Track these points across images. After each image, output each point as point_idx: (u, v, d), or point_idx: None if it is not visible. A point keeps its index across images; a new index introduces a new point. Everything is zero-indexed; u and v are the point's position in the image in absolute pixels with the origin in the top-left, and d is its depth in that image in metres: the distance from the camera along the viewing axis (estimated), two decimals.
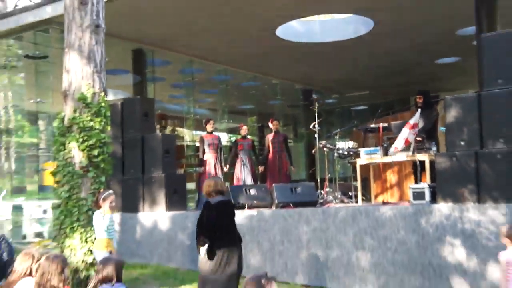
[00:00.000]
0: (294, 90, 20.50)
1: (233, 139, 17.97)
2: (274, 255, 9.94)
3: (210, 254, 7.89)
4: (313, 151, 13.34)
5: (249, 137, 14.19)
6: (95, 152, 8.33)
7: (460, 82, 18.79)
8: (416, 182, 10.75)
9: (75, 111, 8.32)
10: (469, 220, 8.01)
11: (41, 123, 24.07)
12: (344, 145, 12.01)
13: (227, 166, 13.72)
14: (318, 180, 12.50)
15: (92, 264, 7.97)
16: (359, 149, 11.42)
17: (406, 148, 10.11)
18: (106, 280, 5.72)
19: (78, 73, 8.36)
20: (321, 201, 11.07)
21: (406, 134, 9.97)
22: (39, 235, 14.65)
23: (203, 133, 13.57)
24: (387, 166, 11.92)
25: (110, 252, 7.98)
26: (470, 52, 12.31)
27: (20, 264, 6.05)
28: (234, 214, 8.44)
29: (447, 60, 16.70)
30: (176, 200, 11.70)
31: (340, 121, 18.77)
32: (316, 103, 12.52)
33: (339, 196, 11.43)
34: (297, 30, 14.39)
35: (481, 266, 7.80)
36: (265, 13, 12.39)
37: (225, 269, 7.84)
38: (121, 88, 17.42)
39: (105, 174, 8.57)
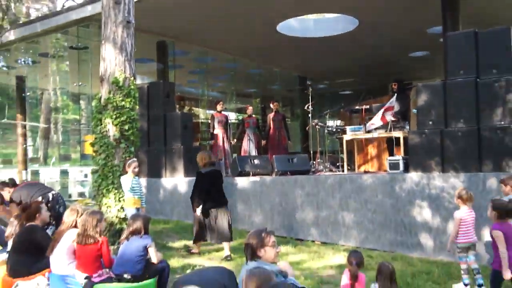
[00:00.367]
0: (291, 77, 20.45)
1: (241, 117, 17.98)
2: (274, 214, 10.04)
3: (204, 213, 8.23)
4: (307, 128, 13.35)
5: (253, 116, 14.21)
6: (126, 126, 8.39)
7: (429, 72, 18.76)
8: (390, 155, 10.84)
9: (109, 92, 8.37)
10: (435, 186, 8.13)
11: (82, 103, 24.10)
12: (333, 123, 12.11)
13: (235, 140, 13.78)
14: (311, 152, 12.54)
15: (124, 219, 8.08)
16: (346, 127, 11.48)
17: (384, 126, 10.18)
18: (135, 232, 5.86)
19: (112, 61, 8.40)
20: (313, 170, 11.16)
21: (381, 113, 10.04)
22: (81, 194, 14.79)
23: (214, 112, 13.63)
24: (368, 141, 12.01)
25: (138, 209, 8.10)
26: (438, 47, 12.29)
27: (67, 217, 6.17)
28: (221, 181, 8.75)
29: (419, 54, 16.67)
30: (192, 167, 11.76)
31: (329, 104, 18.72)
32: (309, 88, 12.53)
33: (328, 166, 11.51)
34: (294, 26, 14.35)
35: (443, 224, 7.94)
36: (267, 12, 12.38)
37: (216, 224, 8.29)
38: (147, 74, 17.42)
39: (134, 145, 8.64)
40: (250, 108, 14.26)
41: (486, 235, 7.52)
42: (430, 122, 8.53)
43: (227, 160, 12.95)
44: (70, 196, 14.89)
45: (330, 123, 12.10)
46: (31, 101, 23.30)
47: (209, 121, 14.01)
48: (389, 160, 9.32)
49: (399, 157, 9.26)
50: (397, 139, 10.28)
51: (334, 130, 11.95)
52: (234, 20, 13.06)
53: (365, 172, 10.82)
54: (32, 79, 21.32)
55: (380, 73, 18.45)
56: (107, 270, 5.68)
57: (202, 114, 23.96)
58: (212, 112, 14.06)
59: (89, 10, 12.96)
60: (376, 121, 10.11)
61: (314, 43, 14.94)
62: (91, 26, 13.60)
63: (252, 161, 11.27)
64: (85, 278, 5.60)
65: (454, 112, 8.32)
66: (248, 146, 13.44)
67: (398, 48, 15.70)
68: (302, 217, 9.65)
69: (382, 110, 10.07)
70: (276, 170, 10.66)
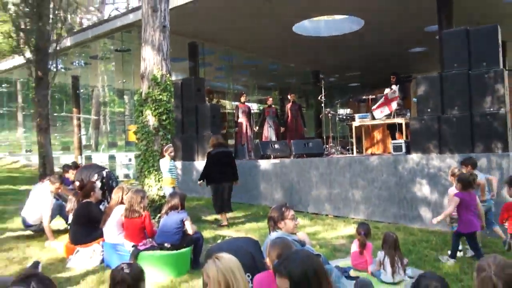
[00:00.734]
0: (305, 71, 20.34)
1: (262, 108, 17.97)
2: (292, 192, 10.07)
3: (216, 186, 8.72)
4: (320, 116, 13.31)
5: (273, 106, 14.20)
6: (163, 117, 8.43)
7: (426, 66, 18.49)
8: (393, 139, 10.78)
9: (149, 88, 8.42)
10: (433, 166, 8.09)
11: (125, 97, 24.37)
12: (343, 111, 12.01)
13: (257, 127, 13.80)
14: (324, 137, 12.53)
15: (163, 197, 8.14)
16: (354, 114, 11.42)
17: (389, 114, 10.16)
18: (173, 207, 5.94)
19: (151, 61, 8.44)
20: (326, 152, 11.14)
21: (389, 102, 10.06)
22: (126, 176, 14.98)
23: (238, 103, 13.64)
24: (374, 127, 11.91)
25: (174, 188, 8.19)
26: (434, 43, 12.14)
27: (115, 194, 6.30)
28: (230, 160, 8.90)
29: (417, 50, 16.47)
30: None
31: (339, 94, 18.62)
32: (322, 81, 12.48)
33: (339, 149, 11.49)
34: (308, 27, 14.25)
35: (440, 199, 7.92)
36: (284, 15, 12.31)
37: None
38: (180, 71, 17.46)
39: (170, 133, 8.68)
40: (270, 99, 14.26)
41: None
42: (429, 110, 8.50)
43: (250, 145, 12.99)
44: (117, 177, 15.08)
45: (341, 111, 11.99)
46: (84, 97, 23.62)
47: (234, 111, 14.04)
48: (393, 143, 9.28)
49: (401, 140, 9.22)
50: (399, 124, 10.24)
51: (344, 117, 11.89)
52: (255, 23, 13.02)
53: (372, 154, 10.74)
54: (85, 78, 21.60)
55: (383, 67, 18.27)
56: (150, 240, 5.79)
57: (228, 105, 23.95)
58: (237, 103, 14.07)
59: (131, 18, 13.08)
60: (385, 109, 10.12)
61: (325, 41, 14.83)
62: (133, 31, 13.70)
63: (273, 146, 11.29)
64: (132, 246, 5.71)
65: (449, 100, 8.30)
66: (269, 132, 13.45)
67: (399, 44, 15.52)
68: (317, 194, 9.67)
69: (391, 97, 10.05)
70: (293, 153, 10.68)
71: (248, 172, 10.87)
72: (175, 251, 5.63)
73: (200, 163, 11.79)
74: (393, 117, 10.20)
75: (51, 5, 13.13)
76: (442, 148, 8.23)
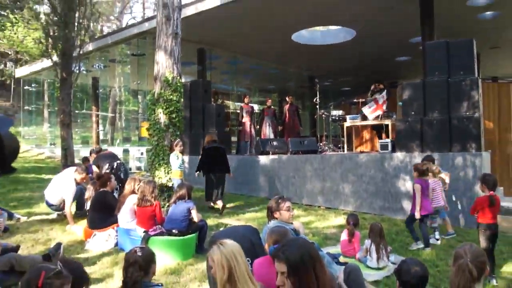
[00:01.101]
0: (302, 76, 20.27)
1: (261, 108, 17.94)
2: (289, 185, 10.06)
3: (208, 177, 8.95)
4: (315, 116, 13.31)
5: (272, 107, 14.16)
6: (173, 115, 8.41)
7: (411, 73, 18.43)
8: (379, 138, 10.77)
9: (161, 88, 8.40)
10: (415, 163, 8.06)
11: (139, 97, 24.37)
12: (336, 113, 11.97)
13: (258, 126, 13.79)
14: (318, 136, 12.50)
15: (171, 187, 8.17)
16: (346, 116, 11.40)
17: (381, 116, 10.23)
18: (181, 197, 5.93)
19: (164, 64, 8.42)
20: (320, 150, 11.11)
21: (380, 105, 10.11)
22: (138, 168, 14.97)
23: (242, 104, 13.62)
24: (363, 127, 11.89)
25: (182, 180, 8.19)
26: (418, 53, 12.17)
27: (128, 184, 6.29)
28: (221, 155, 9.04)
29: (403, 59, 16.43)
30: (225, 147, 11.81)
31: (333, 97, 18.56)
32: (317, 85, 12.45)
33: (332, 147, 11.46)
34: (305, 36, 14.20)
35: None
36: (284, 24, 12.28)
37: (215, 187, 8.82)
38: (189, 74, 17.40)
39: (180, 130, 8.66)
40: (270, 100, 14.22)
41: (451, 200, 7.50)
42: (412, 113, 8.50)
43: (253, 143, 12.97)
44: (130, 169, 15.06)
45: (333, 112, 11.95)
46: (102, 96, 23.61)
47: (238, 111, 14.02)
48: (380, 142, 9.27)
49: (388, 140, 9.21)
50: (386, 125, 10.23)
51: (337, 118, 11.86)
52: (257, 31, 12.99)
53: (361, 152, 10.73)
54: (103, 79, 21.58)
55: (372, 73, 18.25)
56: (160, 226, 5.79)
57: (232, 105, 23.92)
58: (240, 104, 14.05)
59: (146, 26, 13.07)
60: (377, 112, 10.15)
61: (321, 49, 14.79)
62: (147, 38, 13.67)
63: (271, 143, 11.26)
64: (144, 232, 5.71)
65: (431, 104, 8.35)
66: (267, 130, 13.42)
67: (386, 53, 15.49)
68: (310, 187, 9.65)
69: (381, 102, 10.06)
70: (290, 150, 10.65)
71: (249, 166, 10.87)
72: (182, 237, 5.64)
73: None
74: (380, 119, 10.21)
75: (77, 15, 13.19)
76: (423, 148, 8.24)
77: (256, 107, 20.00)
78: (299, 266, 2.18)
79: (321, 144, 11.59)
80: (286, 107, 13.88)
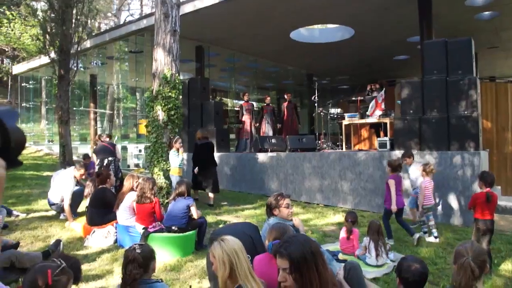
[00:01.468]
0: (300, 74, 20.30)
1: (260, 105, 17.95)
2: (287, 182, 10.08)
3: (199, 171, 9.13)
4: (313, 114, 13.31)
5: (270, 104, 14.19)
6: (172, 112, 8.37)
7: (409, 72, 18.45)
8: (378, 137, 10.80)
9: (159, 86, 8.36)
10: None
11: (137, 94, 24.32)
12: (334, 111, 12.00)
13: (257, 124, 13.82)
14: (316, 134, 12.51)
15: (170, 184, 8.17)
16: (344, 114, 11.42)
17: (381, 114, 10.27)
18: (181, 194, 5.93)
19: (162, 62, 8.38)
20: (318, 147, 11.14)
21: (379, 104, 10.17)
22: (137, 165, 14.95)
23: (242, 102, 13.63)
24: (362, 125, 11.91)
25: (181, 177, 8.19)
26: (416, 52, 12.20)
27: (127, 181, 6.29)
28: (212, 150, 9.51)
29: (401, 57, 16.47)
30: (223, 145, 11.82)
31: (331, 95, 18.57)
32: (315, 83, 12.46)
33: (330, 144, 11.49)
34: (304, 34, 14.22)
35: None
36: (282, 23, 12.29)
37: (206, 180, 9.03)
38: (188, 71, 17.41)
39: (178, 127, 8.63)
40: (268, 98, 14.25)
41: (449, 198, 7.52)
42: (411, 111, 8.51)
43: (252, 140, 12.99)
44: (128, 166, 15.06)
45: (332, 110, 11.97)
46: (100, 93, 23.59)
47: (237, 109, 14.04)
48: (379, 140, 9.29)
49: (386, 138, 9.23)
50: (384, 124, 10.26)
51: (335, 116, 11.89)
52: (256, 29, 12.99)
53: (359, 150, 10.75)
54: (101, 76, 21.54)
55: (370, 72, 18.29)
56: (159, 223, 5.79)
57: (230, 103, 23.97)
58: (241, 102, 14.07)
59: (144, 23, 13.06)
60: (377, 111, 10.19)
61: (319, 47, 14.81)
62: (146, 34, 13.66)
63: (270, 140, 11.27)
64: (143, 229, 5.71)
65: (429, 103, 8.37)
66: (266, 128, 13.44)
67: (384, 52, 15.52)
68: (309, 184, 9.67)
69: (380, 100, 10.10)
70: (289, 147, 10.67)
71: (247, 163, 10.88)
72: (181, 234, 5.64)
73: None
74: (379, 118, 10.23)
75: (74, 11, 13.15)
76: (422, 146, 8.27)
77: (255, 105, 20.06)
78: (301, 262, 2.19)
79: (319, 142, 11.60)
80: (285, 104, 13.90)
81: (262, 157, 10.66)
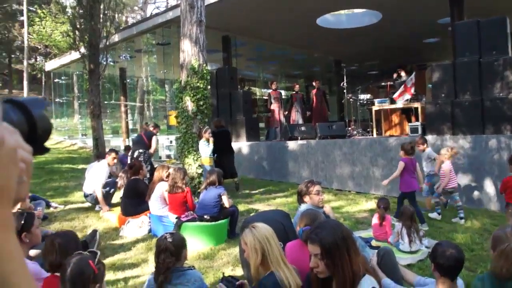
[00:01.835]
0: (328, 60, 20.06)
1: (289, 94, 17.87)
2: (318, 170, 10.04)
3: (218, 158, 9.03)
4: (342, 101, 13.19)
5: (299, 92, 14.11)
6: (201, 102, 8.47)
7: (440, 55, 17.98)
8: (409, 122, 10.60)
9: (187, 76, 8.46)
10: (447, 146, 7.90)
11: (166, 86, 24.60)
12: (364, 97, 11.85)
13: (286, 112, 13.79)
14: (346, 120, 12.39)
15: (201, 174, 8.26)
16: (374, 99, 11.27)
17: (410, 99, 10.08)
18: (212, 183, 5.99)
19: (189, 52, 8.46)
20: (349, 134, 11.04)
21: (408, 88, 9.97)
22: (168, 156, 15.15)
23: (270, 91, 13.62)
24: (392, 110, 11.70)
25: (211, 166, 8.26)
26: (447, 34, 11.86)
27: (158, 171, 6.40)
28: (228, 137, 9.65)
29: (431, 40, 16.03)
30: (252, 134, 11.86)
31: (360, 81, 18.31)
32: (343, 69, 12.33)
33: (360, 131, 11.37)
34: (330, 20, 14.02)
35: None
36: (309, 9, 12.15)
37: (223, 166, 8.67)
38: (215, 61, 17.43)
39: (207, 117, 8.73)
40: (297, 86, 14.18)
41: (485, 183, 7.35)
42: (443, 95, 8.31)
43: (282, 129, 12.97)
44: (160, 157, 15.28)
45: (361, 96, 11.82)
46: (130, 86, 23.99)
47: (265, 98, 14.03)
48: (410, 125, 9.14)
49: (418, 123, 9.05)
50: (415, 108, 10.06)
51: (365, 102, 11.73)
52: (282, 16, 12.88)
53: (390, 135, 10.59)
54: (130, 70, 21.86)
55: (399, 56, 17.91)
56: (191, 212, 5.87)
57: (258, 92, 23.94)
58: (269, 91, 14.06)
59: (170, 15, 13.13)
60: (406, 95, 10.00)
61: (347, 33, 14.57)
62: (172, 26, 13.73)
63: (300, 128, 11.23)
64: (176, 218, 5.81)
65: (462, 86, 8.15)
66: (296, 116, 13.40)
67: (414, 36, 15.13)
68: (340, 172, 9.61)
69: (409, 85, 9.90)
70: (319, 134, 10.61)
71: (277, 152, 10.88)
72: (213, 222, 5.71)
73: (234, 145, 11.81)
74: (409, 102, 10.05)
75: (102, 6, 13.36)
76: (455, 130, 8.07)
77: (283, 93, 20.01)
78: (332, 248, 2.19)
79: (349, 128, 11.49)
80: (313, 92, 13.80)
81: (292, 145, 10.64)
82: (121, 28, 16.67)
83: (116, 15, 15.02)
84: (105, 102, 23.99)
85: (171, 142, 14.70)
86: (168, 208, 6.06)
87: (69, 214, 7.22)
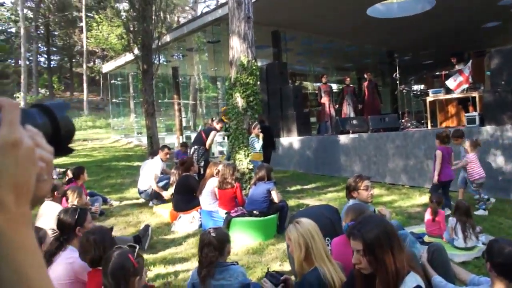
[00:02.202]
0: (380, 51, 19.57)
1: (341, 87, 17.60)
2: (370, 164, 9.84)
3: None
4: (395, 92, 12.84)
5: (351, 85, 13.88)
6: (251, 98, 8.52)
7: (500, 40, 17.03)
8: (466, 112, 10.14)
9: (237, 73, 8.53)
10: (507, 137, 7.50)
11: (218, 83, 24.95)
12: (417, 87, 11.48)
13: (337, 105, 13.60)
14: (400, 112, 12.06)
15: (251, 170, 8.32)
16: (428, 90, 10.89)
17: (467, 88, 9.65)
18: (261, 178, 6.02)
19: (238, 49, 8.52)
20: (402, 127, 10.73)
21: (466, 77, 9.50)
22: (221, 152, 15.36)
23: (320, 84, 13.49)
24: (448, 101, 11.25)
25: (262, 162, 8.30)
26: (508, 17, 11.20)
27: (209, 168, 6.51)
28: (270, 133, 9.45)
29: (490, 25, 15.16)
30: (304, 128, 11.78)
31: (413, 72, 17.71)
32: (396, 60, 11.99)
33: (414, 123, 11.03)
34: (381, 9, 13.65)
35: None
36: (358, 0, 11.91)
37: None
38: (265, 57, 17.44)
39: (257, 112, 8.76)
40: (348, 78, 13.97)
41: None
42: (503, 82, 7.84)
43: (333, 122, 12.82)
44: (213, 154, 15.53)
45: (415, 87, 11.44)
46: (183, 85, 24.51)
47: (316, 92, 13.92)
48: (467, 116, 8.73)
49: (475, 113, 8.64)
50: (472, 98, 9.61)
51: (419, 93, 11.37)
52: (331, 9, 12.69)
53: (447, 127, 10.18)
54: (183, 68, 22.33)
55: (455, 44, 17.13)
56: (241, 207, 5.93)
57: (310, 86, 23.74)
58: (319, 84, 13.93)
59: (219, 13, 13.29)
60: (463, 86, 9.55)
61: (398, 22, 14.13)
62: (222, 24, 13.90)
63: (351, 121, 11.04)
64: (226, 213, 5.89)
65: None
66: (347, 109, 13.21)
67: (471, 21, 14.41)
68: (393, 165, 9.36)
69: (467, 73, 9.45)
70: (371, 128, 10.39)
71: (329, 146, 10.76)
72: (263, 218, 5.74)
73: (285, 139, 11.85)
74: (466, 91, 9.60)
75: (153, 8, 13.73)
76: None
77: (334, 87, 19.72)
78: (375, 244, 2.13)
79: (403, 121, 11.16)
80: (365, 84, 13.54)
81: (343, 139, 10.48)
82: (172, 28, 17.07)
83: (168, 16, 15.40)
84: (159, 101, 24.70)
85: (223, 138, 14.89)
86: (218, 203, 6.16)
87: (124, 210, 7.51)
